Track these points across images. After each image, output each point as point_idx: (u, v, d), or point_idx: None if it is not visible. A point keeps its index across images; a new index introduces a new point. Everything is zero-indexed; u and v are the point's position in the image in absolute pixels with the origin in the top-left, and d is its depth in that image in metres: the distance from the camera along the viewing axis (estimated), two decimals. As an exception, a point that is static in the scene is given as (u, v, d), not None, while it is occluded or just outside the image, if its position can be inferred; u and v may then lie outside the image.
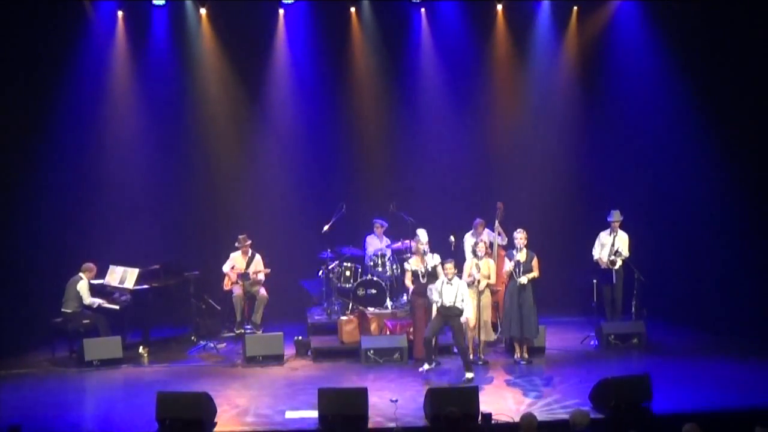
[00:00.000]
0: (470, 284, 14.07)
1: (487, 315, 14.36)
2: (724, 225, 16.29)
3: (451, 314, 13.50)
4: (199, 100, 17.59)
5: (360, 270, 16.09)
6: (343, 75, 17.87)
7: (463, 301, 13.58)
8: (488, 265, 14.40)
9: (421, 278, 14.12)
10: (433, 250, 14.52)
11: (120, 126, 17.23)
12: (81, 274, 15.00)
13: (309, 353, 14.95)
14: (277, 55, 17.67)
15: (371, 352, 14.28)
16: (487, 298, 14.33)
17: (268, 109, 17.87)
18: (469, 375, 13.33)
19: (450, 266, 13.57)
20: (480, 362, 14.23)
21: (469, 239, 15.74)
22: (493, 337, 14.60)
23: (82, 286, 14.92)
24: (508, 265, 14.33)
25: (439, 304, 13.55)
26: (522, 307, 14.11)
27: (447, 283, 13.50)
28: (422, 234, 14.44)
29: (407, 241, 15.54)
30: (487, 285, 14.34)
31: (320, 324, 15.96)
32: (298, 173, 17.92)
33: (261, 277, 16.02)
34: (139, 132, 17.31)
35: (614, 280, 15.58)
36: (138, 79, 17.25)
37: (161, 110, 17.33)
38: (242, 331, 15.66)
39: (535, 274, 14.14)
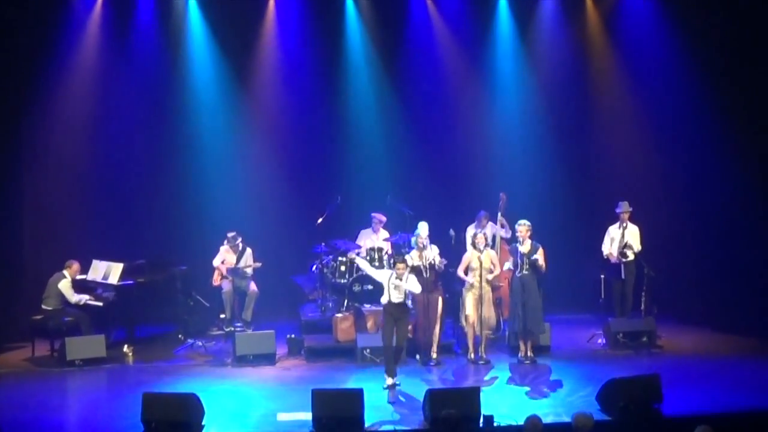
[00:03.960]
0: (470, 286, 14.13)
1: (488, 311, 14.34)
2: (739, 219, 16.30)
3: (398, 313, 13.23)
4: (187, 88, 17.57)
5: (356, 265, 16.07)
6: (337, 60, 17.86)
7: (410, 299, 13.42)
8: (489, 257, 14.38)
9: (424, 273, 14.08)
10: (432, 244, 14.49)
11: (103, 116, 17.22)
12: (64, 272, 15.00)
13: (302, 352, 14.95)
14: (269, 40, 17.68)
15: (368, 351, 14.28)
16: (488, 293, 14.33)
17: (260, 97, 17.87)
18: (389, 380, 13.07)
19: (402, 265, 13.26)
20: (482, 361, 14.26)
21: (471, 233, 15.70)
22: (493, 327, 14.55)
23: (65, 285, 14.91)
24: (507, 265, 14.35)
25: (386, 301, 13.32)
26: (527, 302, 14.12)
27: (396, 278, 13.17)
28: (423, 228, 14.43)
29: (405, 235, 15.54)
30: (488, 280, 14.34)
31: (314, 321, 15.94)
32: (291, 163, 17.92)
33: (249, 272, 16.02)
34: (123, 122, 17.28)
35: (623, 276, 15.56)
36: (122, 67, 17.22)
37: (147, 99, 17.30)
38: (232, 328, 15.69)
39: (540, 261, 14.12)
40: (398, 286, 13.10)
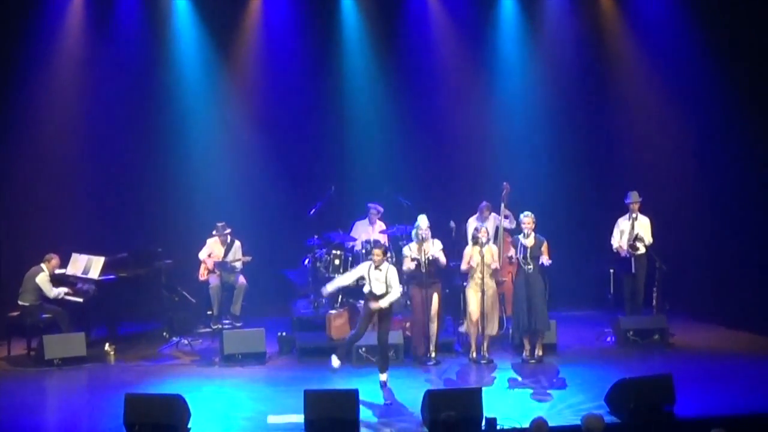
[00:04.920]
0: (471, 274, 14.12)
1: (491, 307, 14.32)
2: (756, 210, 16.31)
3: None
4: (172, 73, 17.56)
5: (350, 258, 16.06)
6: (331, 42, 17.86)
7: (391, 287, 13.24)
8: (491, 252, 14.37)
9: (422, 267, 14.07)
10: (433, 237, 14.47)
11: (83, 102, 17.21)
12: (42, 265, 14.97)
13: (294, 351, 14.96)
14: (258, 23, 17.72)
15: (363, 349, 14.25)
16: (491, 289, 14.32)
17: (249, 81, 17.89)
18: (382, 377, 13.18)
19: (378, 251, 13.26)
20: (484, 361, 14.26)
21: (473, 224, 15.70)
22: (496, 331, 14.56)
23: (42, 279, 14.88)
24: (511, 252, 14.39)
25: (367, 291, 13.28)
26: (531, 298, 14.12)
27: (375, 269, 13.18)
28: (422, 220, 14.41)
29: (403, 227, 15.55)
30: (491, 275, 14.34)
31: (306, 318, 15.98)
32: (282, 151, 17.89)
33: (238, 266, 16.02)
34: (104, 108, 17.25)
35: (634, 270, 15.56)
36: (103, 53, 17.21)
37: (130, 84, 17.27)
38: (220, 326, 15.69)
39: (545, 256, 14.12)
40: (378, 278, 13.13)
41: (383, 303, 13.07)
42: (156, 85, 17.43)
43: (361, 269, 13.40)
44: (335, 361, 13.19)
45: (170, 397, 11.65)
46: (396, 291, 13.21)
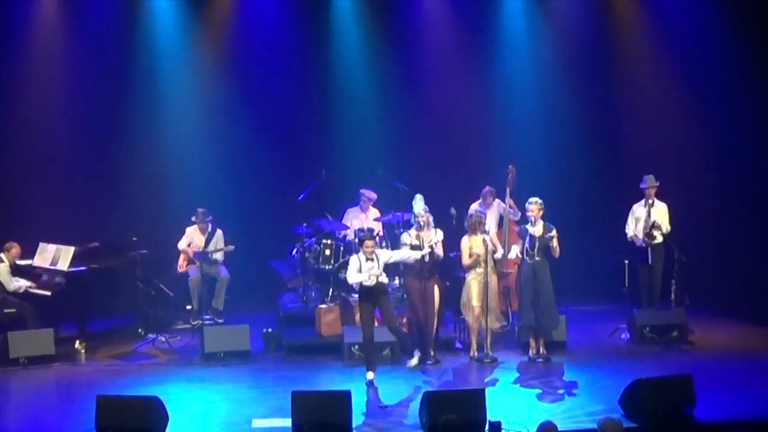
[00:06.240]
0: (474, 274, 14.17)
1: (494, 302, 14.32)
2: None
3: (375, 295, 13.38)
4: (149, 44, 17.61)
5: (342, 248, 16.05)
6: (321, 12, 17.90)
7: (385, 275, 13.49)
8: (492, 241, 14.37)
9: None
10: (437, 228, 14.44)
11: (51, 83, 17.28)
12: (2, 255, 14.97)
13: (281, 349, 14.97)
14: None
15: (356, 347, 14.26)
16: (494, 281, 14.31)
17: (232, 55, 17.96)
18: (412, 362, 13.48)
19: (371, 243, 13.42)
20: (487, 360, 14.25)
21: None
22: (497, 325, 14.55)
23: (2, 271, 14.88)
24: (515, 250, 14.38)
25: (358, 288, 13.45)
26: (539, 293, 14.11)
27: (367, 260, 13.34)
28: (417, 202, 14.37)
29: (399, 214, 15.51)
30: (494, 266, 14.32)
31: (294, 314, 16.01)
32: (268, 131, 17.98)
33: (220, 256, 15.99)
34: (73, 87, 17.35)
35: (651, 261, 15.55)
36: (71, 30, 17.33)
37: (102, 59, 17.33)
38: (200, 321, 15.70)
39: (554, 243, 14.09)
40: (371, 269, 13.25)
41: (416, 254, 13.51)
42: (129, 59, 17.53)
43: (353, 263, 13.50)
44: (370, 375, 13.31)
45: (146, 400, 11.63)
46: (397, 253, 13.66)
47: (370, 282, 13.30)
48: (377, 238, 15.83)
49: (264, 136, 17.81)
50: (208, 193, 16.96)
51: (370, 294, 13.37)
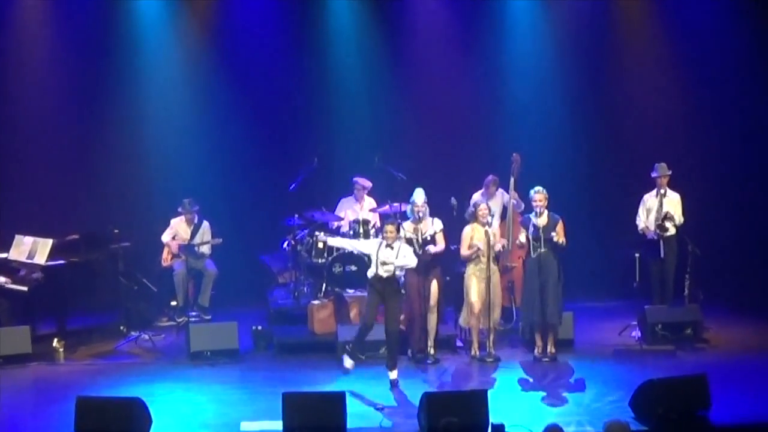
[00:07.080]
0: (474, 267, 14.14)
1: (497, 297, 14.30)
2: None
3: (388, 290, 13.27)
4: (131, 26, 17.62)
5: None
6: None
7: (402, 271, 13.46)
8: (494, 232, 14.35)
9: (417, 249, 14.00)
10: (432, 215, 14.41)
11: (32, 69, 17.30)
12: (-25, 249, 14.96)
13: (271, 347, 14.97)
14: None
15: (350, 346, 14.20)
16: (496, 276, 14.31)
17: (221, 38, 17.98)
18: (391, 375, 13.24)
19: (391, 228, 13.32)
20: (489, 359, 14.25)
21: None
22: (497, 322, 14.51)
23: (-26, 265, 14.89)
24: (521, 238, 14.39)
25: (372, 274, 13.31)
26: (544, 287, 14.09)
27: (386, 247, 13.22)
28: (418, 194, 14.35)
29: (396, 204, 15.48)
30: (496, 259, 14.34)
31: (285, 310, 16.05)
32: (258, 118, 18.04)
33: (207, 249, 15.95)
34: (53, 68, 17.38)
35: (663, 254, 15.51)
36: (49, 14, 17.34)
37: (82, 41, 17.32)
38: (185, 318, 15.72)
39: (559, 238, 14.05)
40: (387, 260, 13.11)
41: (407, 261, 13.26)
42: (113, 43, 17.52)
43: (370, 246, 13.47)
44: (348, 362, 13.27)
45: (128, 401, 11.57)
46: (412, 260, 13.32)
47: (385, 273, 13.20)
48: (373, 229, 15.88)
49: (253, 122, 17.85)
50: (194, 182, 16.97)
51: (384, 287, 13.19)
